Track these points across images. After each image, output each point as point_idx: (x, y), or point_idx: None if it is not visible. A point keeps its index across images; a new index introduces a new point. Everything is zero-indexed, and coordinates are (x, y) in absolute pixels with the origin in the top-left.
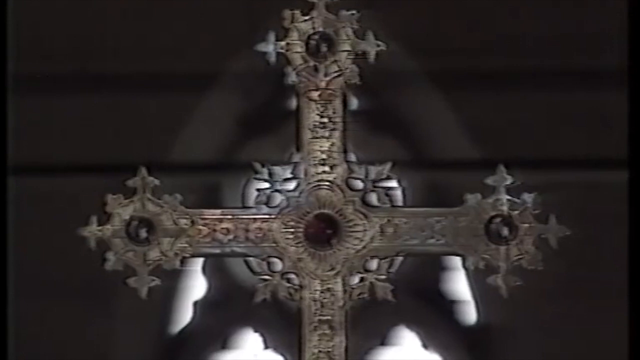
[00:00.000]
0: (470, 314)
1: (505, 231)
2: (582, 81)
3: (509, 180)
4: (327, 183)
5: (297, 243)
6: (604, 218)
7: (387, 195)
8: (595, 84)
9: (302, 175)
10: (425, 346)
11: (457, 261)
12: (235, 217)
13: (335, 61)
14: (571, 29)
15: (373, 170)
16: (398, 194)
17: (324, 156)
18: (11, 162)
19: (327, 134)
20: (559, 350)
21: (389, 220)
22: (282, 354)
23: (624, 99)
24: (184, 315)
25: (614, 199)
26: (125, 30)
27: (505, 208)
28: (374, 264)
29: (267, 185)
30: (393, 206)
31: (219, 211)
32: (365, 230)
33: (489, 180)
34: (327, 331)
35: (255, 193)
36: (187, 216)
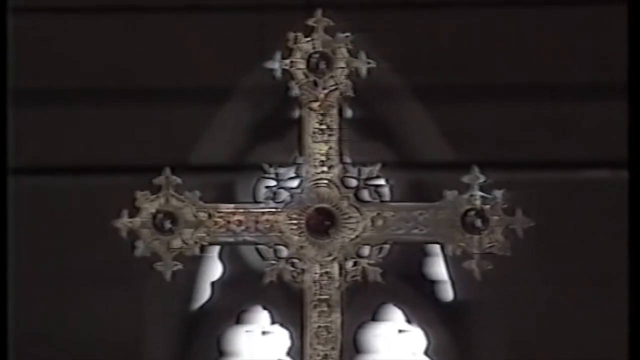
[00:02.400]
0: (448, 293)
1: (478, 222)
2: (549, 93)
3: (481, 179)
4: (325, 181)
5: (299, 233)
6: (568, 211)
7: (377, 191)
8: (561, 94)
9: (304, 175)
10: (409, 321)
11: (437, 248)
12: (247, 210)
13: (332, 76)
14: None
15: (365, 170)
16: (386, 190)
17: (322, 158)
18: (58, 164)
19: (325, 139)
20: (523, 324)
21: (378, 214)
22: (287, 328)
23: (593, 109)
24: (203, 295)
25: (579, 194)
26: (156, 49)
27: (478, 203)
28: (366, 251)
29: (274, 183)
30: (382, 201)
31: (232, 205)
32: (358, 222)
33: (465, 179)
34: (326, 309)
35: (264, 190)
36: (205, 210)
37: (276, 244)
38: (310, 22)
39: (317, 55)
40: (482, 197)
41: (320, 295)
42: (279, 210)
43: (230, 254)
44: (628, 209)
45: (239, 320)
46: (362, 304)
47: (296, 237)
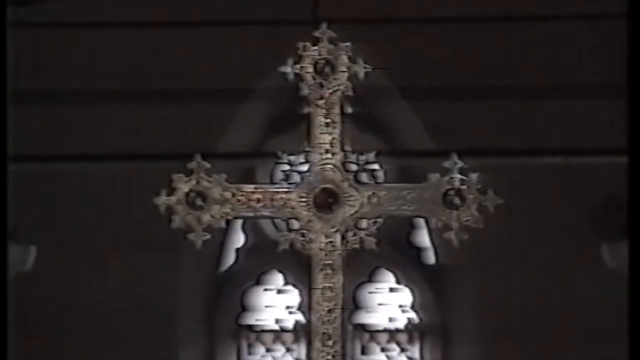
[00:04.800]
0: (431, 258)
1: (457, 200)
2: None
3: (459, 164)
4: (330, 166)
5: (308, 209)
6: (530, 190)
7: (372, 175)
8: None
9: (312, 161)
10: (398, 281)
11: (422, 221)
12: (265, 190)
13: (335, 79)
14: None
15: (362, 157)
16: (380, 174)
17: (327, 147)
18: (114, 152)
19: (329, 131)
20: (493, 284)
21: (374, 193)
22: (297, 288)
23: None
24: (229, 260)
25: (537, 177)
26: (186, 57)
27: (457, 184)
28: (363, 224)
29: (287, 167)
30: (377, 183)
31: (252, 186)
32: (357, 199)
33: (446, 164)
34: (330, 272)
35: (279, 173)
36: (230, 190)
37: (289, 218)
38: (316, 34)
39: (322, 61)
40: (460, 179)
41: (325, 260)
42: (291, 190)
43: (251, 226)
44: (628, 192)
45: (258, 281)
46: (360, 268)
47: (305, 212)
